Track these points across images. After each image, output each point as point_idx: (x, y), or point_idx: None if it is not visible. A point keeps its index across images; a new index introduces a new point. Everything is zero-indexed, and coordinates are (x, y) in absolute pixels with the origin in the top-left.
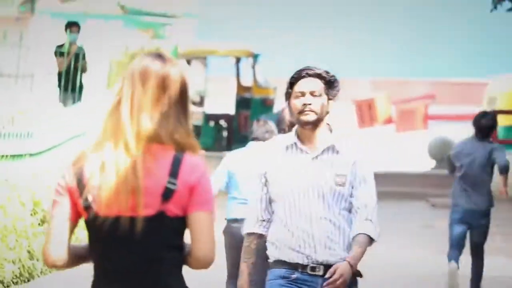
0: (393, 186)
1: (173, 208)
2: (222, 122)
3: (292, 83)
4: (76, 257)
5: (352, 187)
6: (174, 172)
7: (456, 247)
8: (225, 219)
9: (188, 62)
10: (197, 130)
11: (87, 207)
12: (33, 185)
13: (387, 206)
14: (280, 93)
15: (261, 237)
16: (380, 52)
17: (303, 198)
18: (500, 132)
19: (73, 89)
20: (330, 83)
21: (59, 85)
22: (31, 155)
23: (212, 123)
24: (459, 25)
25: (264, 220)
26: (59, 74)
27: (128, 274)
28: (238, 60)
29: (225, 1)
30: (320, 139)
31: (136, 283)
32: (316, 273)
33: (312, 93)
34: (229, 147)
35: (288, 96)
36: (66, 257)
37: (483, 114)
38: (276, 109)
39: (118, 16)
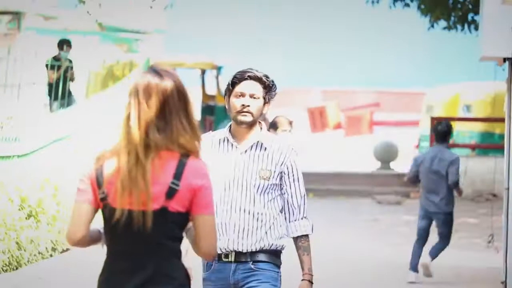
0: (342, 185)
1: (174, 205)
2: None
3: (234, 82)
4: (92, 239)
5: (282, 184)
6: (177, 174)
7: (420, 237)
8: None
9: None
10: None
11: (103, 199)
12: (20, 183)
13: (338, 203)
14: None
15: None
16: (330, 64)
17: (230, 190)
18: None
19: (63, 96)
20: (268, 87)
21: (50, 94)
22: (18, 156)
23: None
24: (401, 41)
25: None
26: (50, 85)
27: (134, 256)
28: (203, 71)
29: (191, 16)
30: (251, 136)
31: (139, 264)
32: (229, 259)
33: (251, 95)
34: None
35: (228, 93)
36: (87, 237)
37: (439, 122)
38: None
39: (96, 32)
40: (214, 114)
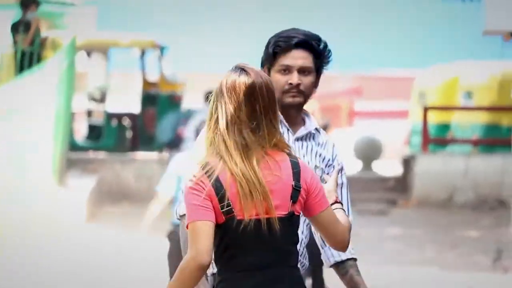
0: None
1: (298, 208)
2: (126, 122)
3: (275, 52)
4: None
5: None
6: (296, 175)
7: None
8: (172, 223)
9: (88, 54)
10: (98, 130)
11: (228, 212)
12: None
13: None
14: (189, 89)
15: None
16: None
17: None
18: (431, 130)
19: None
20: (322, 56)
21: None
22: None
23: (114, 123)
24: (385, 13)
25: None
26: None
27: (268, 268)
28: (143, 52)
29: None
30: (303, 120)
31: (275, 276)
32: None
33: (301, 70)
34: (134, 149)
35: (267, 64)
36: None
37: None
38: (184, 105)
39: (10, 5)
40: (156, 105)
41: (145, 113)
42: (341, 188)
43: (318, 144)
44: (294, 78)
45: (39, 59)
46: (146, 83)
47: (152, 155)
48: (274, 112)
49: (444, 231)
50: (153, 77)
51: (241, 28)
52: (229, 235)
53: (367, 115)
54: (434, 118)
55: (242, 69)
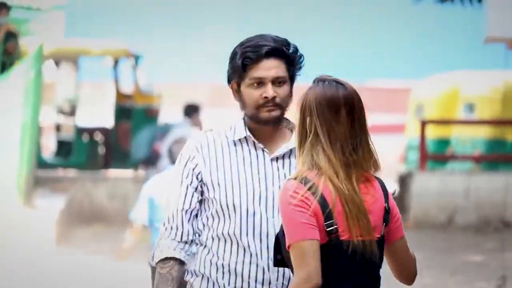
0: None
1: (385, 231)
2: (98, 137)
3: (245, 64)
4: None
5: None
6: (386, 196)
7: None
8: (155, 262)
9: (56, 63)
10: (67, 146)
11: (332, 232)
12: None
13: None
14: (166, 101)
15: (182, 265)
16: None
17: (258, 211)
18: (429, 145)
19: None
20: (294, 62)
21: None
22: None
23: (85, 138)
24: (379, 19)
25: (187, 242)
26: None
27: None
28: (116, 61)
29: None
30: (279, 136)
31: None
32: None
33: (275, 81)
34: (106, 166)
35: (235, 79)
36: None
37: None
38: (161, 119)
39: None
40: (131, 118)
41: (119, 127)
42: None
43: None
44: (269, 90)
45: (3, 68)
46: (120, 95)
47: (127, 173)
48: (367, 128)
49: (443, 255)
50: (127, 88)
51: (222, 37)
52: (331, 256)
53: None
54: (433, 133)
55: (337, 83)
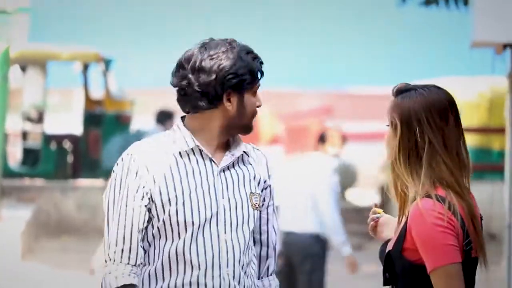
0: (282, 224)
1: None
2: (67, 145)
3: (255, 73)
4: None
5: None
6: None
7: None
8: None
9: (23, 68)
10: (35, 154)
11: (469, 250)
12: None
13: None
14: (139, 107)
15: None
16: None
17: (210, 231)
18: None
19: None
20: None
21: None
22: None
23: (53, 146)
24: (361, 22)
25: (139, 265)
26: None
27: None
28: (85, 66)
29: None
30: (224, 145)
31: None
32: None
33: None
34: (75, 176)
35: (239, 90)
36: None
37: None
38: (133, 126)
39: None
40: (101, 126)
41: (88, 135)
42: (267, 208)
43: (250, 164)
44: (260, 99)
45: None
46: (89, 101)
47: (97, 182)
48: None
49: None
50: (97, 94)
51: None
52: (465, 275)
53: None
54: None
55: (434, 87)
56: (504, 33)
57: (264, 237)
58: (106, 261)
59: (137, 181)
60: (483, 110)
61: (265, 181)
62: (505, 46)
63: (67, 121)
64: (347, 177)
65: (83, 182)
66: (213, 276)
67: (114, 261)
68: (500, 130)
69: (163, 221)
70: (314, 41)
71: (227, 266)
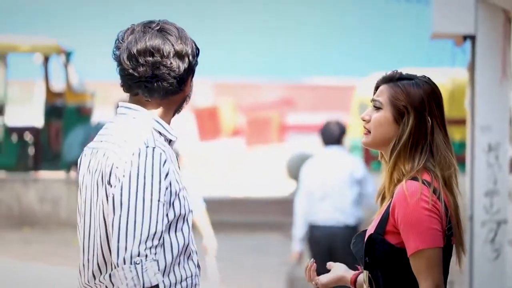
0: (243, 215)
1: None
2: (28, 137)
3: (198, 55)
4: None
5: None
6: None
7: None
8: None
9: None
10: None
11: (449, 237)
12: None
13: (237, 240)
14: (100, 99)
15: None
16: (223, 49)
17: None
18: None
19: None
20: None
21: None
22: None
23: (14, 138)
24: (319, 15)
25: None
26: None
27: None
28: (46, 58)
29: None
30: None
31: None
32: None
33: None
34: (37, 168)
35: (191, 74)
36: None
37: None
38: (94, 118)
39: None
40: (62, 118)
41: (50, 127)
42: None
43: None
44: None
45: None
46: (50, 94)
47: (58, 174)
48: None
49: None
50: (58, 86)
51: None
52: (447, 262)
53: (301, 129)
54: None
55: (426, 76)
56: (464, 25)
57: None
58: (132, 258)
59: (167, 180)
60: (444, 101)
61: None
62: (464, 38)
63: (28, 113)
64: None
65: (44, 174)
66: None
67: (146, 257)
68: (461, 122)
69: (174, 212)
70: (274, 33)
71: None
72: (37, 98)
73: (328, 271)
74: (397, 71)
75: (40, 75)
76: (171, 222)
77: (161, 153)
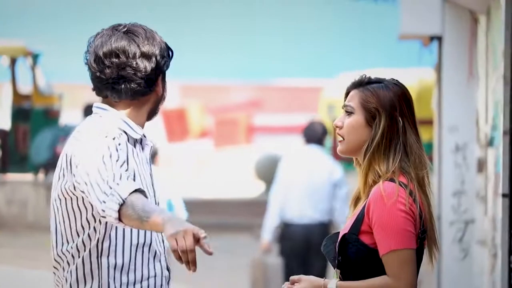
0: (211, 216)
1: None
2: None
3: (170, 57)
4: None
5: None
6: None
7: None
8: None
9: None
10: None
11: (422, 240)
12: None
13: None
14: (67, 101)
15: None
16: (191, 50)
17: None
18: None
19: None
20: None
21: None
22: None
23: None
24: (287, 16)
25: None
26: None
27: None
28: (13, 61)
29: None
30: None
31: None
32: None
33: None
34: (4, 170)
35: (160, 74)
36: None
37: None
38: (62, 121)
39: None
40: (29, 120)
41: (17, 129)
42: None
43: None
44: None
45: None
46: (17, 96)
47: (26, 177)
48: None
49: None
50: (25, 88)
51: None
52: (419, 265)
53: (268, 130)
54: None
55: (394, 79)
56: (431, 25)
57: None
58: (108, 182)
59: (121, 157)
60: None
61: None
62: (431, 38)
63: None
64: (276, 170)
65: (12, 176)
66: (166, 260)
67: (111, 188)
68: (428, 122)
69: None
70: (241, 34)
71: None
72: (4, 100)
73: (303, 271)
74: (365, 75)
75: (7, 77)
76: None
77: (114, 138)
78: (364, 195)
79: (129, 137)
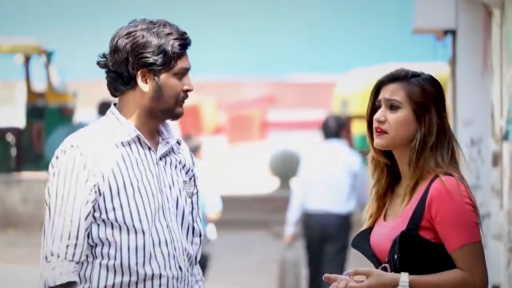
0: (226, 213)
1: None
2: (9, 138)
3: (175, 52)
4: None
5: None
6: None
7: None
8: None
9: None
10: None
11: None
12: None
13: (220, 237)
14: (82, 99)
15: None
16: (205, 47)
17: (159, 224)
18: (356, 142)
19: None
20: None
21: None
22: None
23: None
24: (300, 12)
25: (79, 263)
26: None
27: None
28: (27, 59)
29: None
30: (161, 130)
31: None
32: None
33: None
34: (19, 169)
35: (160, 70)
36: None
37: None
38: (76, 118)
39: None
40: (44, 118)
41: (31, 127)
42: (192, 197)
43: (180, 153)
44: (191, 83)
45: None
46: (32, 94)
47: (41, 175)
48: None
49: None
50: (39, 87)
51: None
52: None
53: (283, 126)
54: (359, 129)
55: (429, 74)
56: (445, 20)
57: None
58: (47, 257)
59: (85, 175)
60: None
61: (192, 170)
62: (445, 32)
63: (10, 114)
64: (291, 166)
65: (27, 175)
66: (170, 267)
67: (58, 256)
68: None
69: (114, 215)
70: (254, 31)
71: (179, 255)
72: (18, 98)
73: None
74: (402, 68)
75: (21, 75)
76: (112, 223)
77: (77, 152)
78: (408, 191)
79: (123, 140)
